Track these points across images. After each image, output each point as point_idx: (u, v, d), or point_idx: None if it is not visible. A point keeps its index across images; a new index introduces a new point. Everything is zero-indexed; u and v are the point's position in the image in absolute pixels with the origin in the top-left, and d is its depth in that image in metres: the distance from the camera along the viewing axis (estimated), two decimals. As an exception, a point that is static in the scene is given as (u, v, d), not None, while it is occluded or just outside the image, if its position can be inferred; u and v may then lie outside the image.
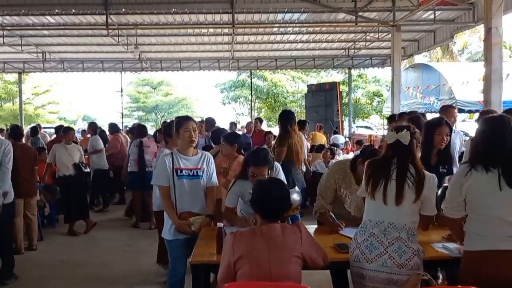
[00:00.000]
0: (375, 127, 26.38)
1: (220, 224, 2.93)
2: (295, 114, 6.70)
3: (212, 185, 3.61)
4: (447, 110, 5.54)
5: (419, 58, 19.61)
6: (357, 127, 26.23)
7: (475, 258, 2.45)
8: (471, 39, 25.09)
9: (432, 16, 11.05)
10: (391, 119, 6.81)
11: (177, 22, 11.67)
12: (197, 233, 3.36)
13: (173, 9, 10.65)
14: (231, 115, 31.91)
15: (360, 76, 27.98)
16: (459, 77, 11.86)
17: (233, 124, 11.79)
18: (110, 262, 5.46)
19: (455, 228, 2.64)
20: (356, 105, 27.64)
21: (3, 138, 7.34)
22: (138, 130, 7.59)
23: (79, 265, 5.32)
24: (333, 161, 7.04)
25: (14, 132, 5.96)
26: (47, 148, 8.26)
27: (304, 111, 18.00)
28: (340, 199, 3.55)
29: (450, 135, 3.70)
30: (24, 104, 25.37)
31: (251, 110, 25.82)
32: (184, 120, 3.57)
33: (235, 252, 2.38)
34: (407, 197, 2.56)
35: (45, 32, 12.73)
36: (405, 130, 2.67)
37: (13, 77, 24.47)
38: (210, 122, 8.02)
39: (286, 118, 5.66)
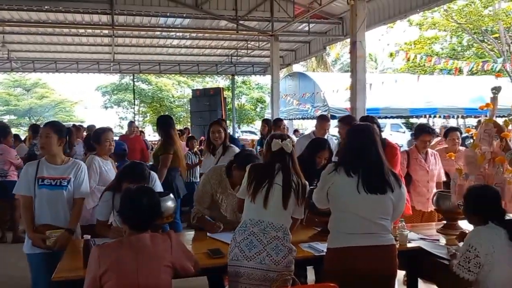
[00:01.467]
0: (258, 132, 27.23)
1: (87, 236, 2.80)
2: (181, 119, 6.60)
3: (80, 197, 3.43)
4: (320, 123, 6.01)
5: (297, 67, 20.78)
6: (242, 132, 26.92)
7: (336, 254, 2.67)
8: (343, 51, 27.30)
9: (306, 28, 11.79)
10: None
11: (50, 20, 10.91)
12: (53, 248, 3.18)
13: (46, 7, 9.94)
14: (114, 119, 30.65)
15: (244, 82, 28.76)
16: (331, 85, 12.81)
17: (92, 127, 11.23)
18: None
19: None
20: (240, 111, 28.35)
21: None
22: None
23: None
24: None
25: None
26: None
27: (189, 116, 17.96)
28: (216, 204, 3.62)
29: (330, 159, 4.00)
30: None
31: (134, 114, 25.02)
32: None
33: (101, 266, 2.27)
34: (290, 201, 2.75)
35: None
36: (288, 138, 2.88)
37: None
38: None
39: (166, 123, 5.42)
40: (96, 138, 4.20)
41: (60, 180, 3.32)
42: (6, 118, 32.01)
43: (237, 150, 4.83)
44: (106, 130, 4.25)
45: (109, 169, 4.09)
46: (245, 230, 2.72)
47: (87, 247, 2.70)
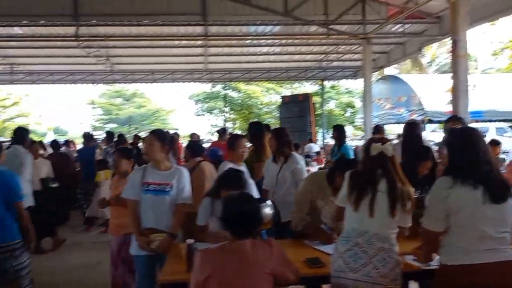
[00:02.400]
0: (348, 138, 26.71)
1: (189, 241, 2.86)
2: (269, 125, 6.59)
3: (183, 202, 3.53)
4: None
5: (389, 70, 20.02)
6: (330, 137, 26.49)
7: (451, 271, 2.44)
8: (439, 51, 25.83)
9: (401, 29, 11.29)
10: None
11: (149, 34, 11.56)
12: (157, 251, 3.29)
13: (145, 21, 10.56)
14: (206, 126, 31.84)
15: (333, 87, 28.34)
16: (427, 88, 12.16)
17: (193, 135, 11.77)
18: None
19: (432, 241, 2.57)
20: (329, 116, 27.94)
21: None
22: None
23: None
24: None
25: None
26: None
27: (279, 122, 18.08)
28: (316, 210, 3.54)
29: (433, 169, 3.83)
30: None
31: (225, 121, 25.74)
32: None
33: (204, 271, 2.31)
34: (397, 209, 2.60)
35: (13, 43, 12.43)
36: (388, 142, 2.75)
37: (-21, 89, 23.80)
38: None
39: (259, 130, 5.34)
40: (231, 145, 4.33)
41: (164, 186, 3.44)
42: (108, 127, 34.70)
43: (298, 156, 4.73)
44: (240, 137, 4.43)
45: None
46: (348, 240, 2.61)
47: (189, 251, 2.76)
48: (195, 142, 6.14)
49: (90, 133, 10.70)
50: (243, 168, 4.18)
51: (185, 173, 3.59)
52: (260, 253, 2.38)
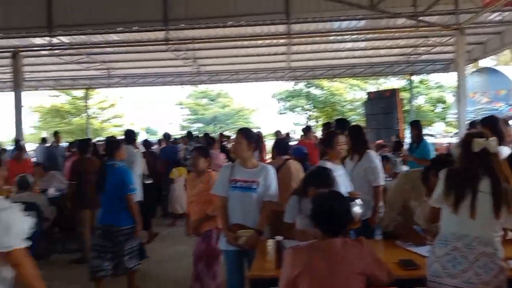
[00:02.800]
0: (439, 135, 25.33)
1: (279, 238, 2.87)
2: (354, 123, 6.37)
3: (269, 200, 3.55)
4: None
5: (485, 62, 18.64)
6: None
7: None
8: (543, 39, 23.56)
9: (498, 18, 10.46)
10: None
11: (233, 34, 11.83)
12: (244, 247, 3.33)
13: (230, 22, 10.82)
14: (288, 124, 31.90)
15: (421, 82, 27.01)
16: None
17: (278, 133, 11.86)
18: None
19: None
20: (417, 112, 26.67)
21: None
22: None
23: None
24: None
25: (83, 146, 6.27)
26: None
27: (364, 119, 17.62)
28: (408, 210, 3.40)
29: None
30: (91, 118, 26.76)
31: (308, 119, 25.60)
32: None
33: (295, 268, 2.31)
34: (502, 210, 2.41)
35: (109, 49, 13.36)
36: (492, 138, 2.52)
37: (81, 92, 25.85)
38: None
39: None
40: (328, 142, 4.17)
41: (251, 183, 3.49)
42: (195, 126, 36.10)
43: (373, 154, 4.58)
44: (337, 134, 4.21)
45: (340, 175, 3.84)
46: (446, 244, 2.45)
47: (279, 248, 2.77)
48: (282, 140, 6.12)
49: (168, 133, 11.70)
50: (340, 167, 4.05)
51: (272, 171, 3.61)
52: (350, 253, 2.33)
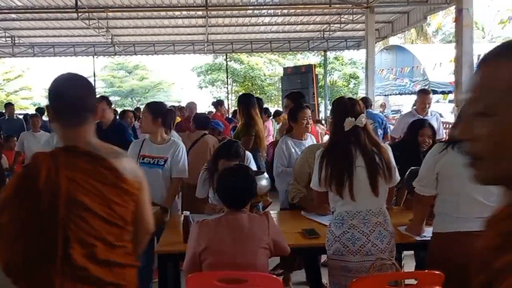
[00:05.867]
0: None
1: (186, 213, 2.88)
2: (273, 97, 6.42)
3: (177, 176, 3.54)
4: (420, 97, 5.65)
5: (393, 40, 19.72)
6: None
7: (445, 240, 2.48)
8: (445, 20, 25.36)
9: (405, -2, 11.07)
10: None
11: (149, 4, 11.40)
12: None
13: (145, -9, 10.41)
14: (208, 98, 31.67)
15: (336, 58, 28.01)
16: (432, 58, 12.02)
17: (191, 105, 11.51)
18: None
19: (422, 207, 2.67)
20: (332, 88, 27.73)
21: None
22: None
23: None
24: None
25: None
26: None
27: (281, 94, 17.97)
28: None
29: (434, 137, 3.75)
30: (-5, 90, 24.70)
31: (228, 93, 25.58)
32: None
33: (200, 243, 2.32)
34: (381, 185, 2.54)
35: (13, 15, 12.30)
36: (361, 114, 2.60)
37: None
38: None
39: (248, 103, 5.06)
40: (292, 116, 3.94)
41: (158, 159, 3.45)
42: (112, 99, 34.55)
43: None
44: (303, 108, 3.94)
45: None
46: (342, 223, 2.54)
47: (186, 223, 2.78)
48: (201, 114, 6.07)
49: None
50: (306, 143, 3.86)
51: (181, 147, 3.59)
52: (257, 227, 2.37)
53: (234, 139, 3.75)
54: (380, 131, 6.39)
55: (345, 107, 2.59)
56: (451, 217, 2.46)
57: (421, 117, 5.03)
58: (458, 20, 7.43)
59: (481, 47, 12.23)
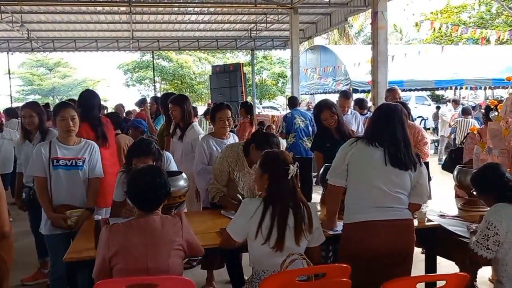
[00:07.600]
0: (280, 108, 27.09)
1: (97, 217, 2.78)
2: (202, 96, 6.29)
3: (96, 177, 3.41)
4: (340, 100, 5.94)
5: (318, 40, 20.32)
6: (263, 107, 26.76)
7: (351, 231, 2.59)
8: (366, 22, 26.56)
9: (327, 0, 11.44)
10: None
11: (67, -1, 10.91)
12: (75, 228, 3.19)
13: (63, -16, 9.91)
14: (136, 97, 30.81)
15: (265, 57, 28.42)
16: (353, 58, 12.50)
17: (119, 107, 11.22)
18: None
19: (333, 198, 2.76)
20: (262, 86, 28.12)
21: None
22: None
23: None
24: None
25: None
26: None
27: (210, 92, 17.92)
28: (233, 182, 3.55)
29: (338, 114, 4.02)
30: None
31: (155, 92, 25.06)
32: (60, 108, 3.35)
33: (110, 248, 2.23)
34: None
35: None
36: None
37: None
38: None
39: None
40: (211, 116, 3.99)
41: (76, 161, 3.31)
42: (30, 98, 32.61)
43: (197, 129, 4.50)
44: (222, 108, 3.93)
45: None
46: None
47: (98, 228, 2.67)
48: (111, 113, 5.89)
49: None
50: (227, 142, 3.83)
51: (95, 147, 3.46)
52: (169, 229, 2.31)
53: (147, 138, 3.65)
54: (310, 128, 6.60)
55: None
56: (357, 207, 2.58)
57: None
58: (374, 22, 7.81)
59: (396, 49, 12.97)
